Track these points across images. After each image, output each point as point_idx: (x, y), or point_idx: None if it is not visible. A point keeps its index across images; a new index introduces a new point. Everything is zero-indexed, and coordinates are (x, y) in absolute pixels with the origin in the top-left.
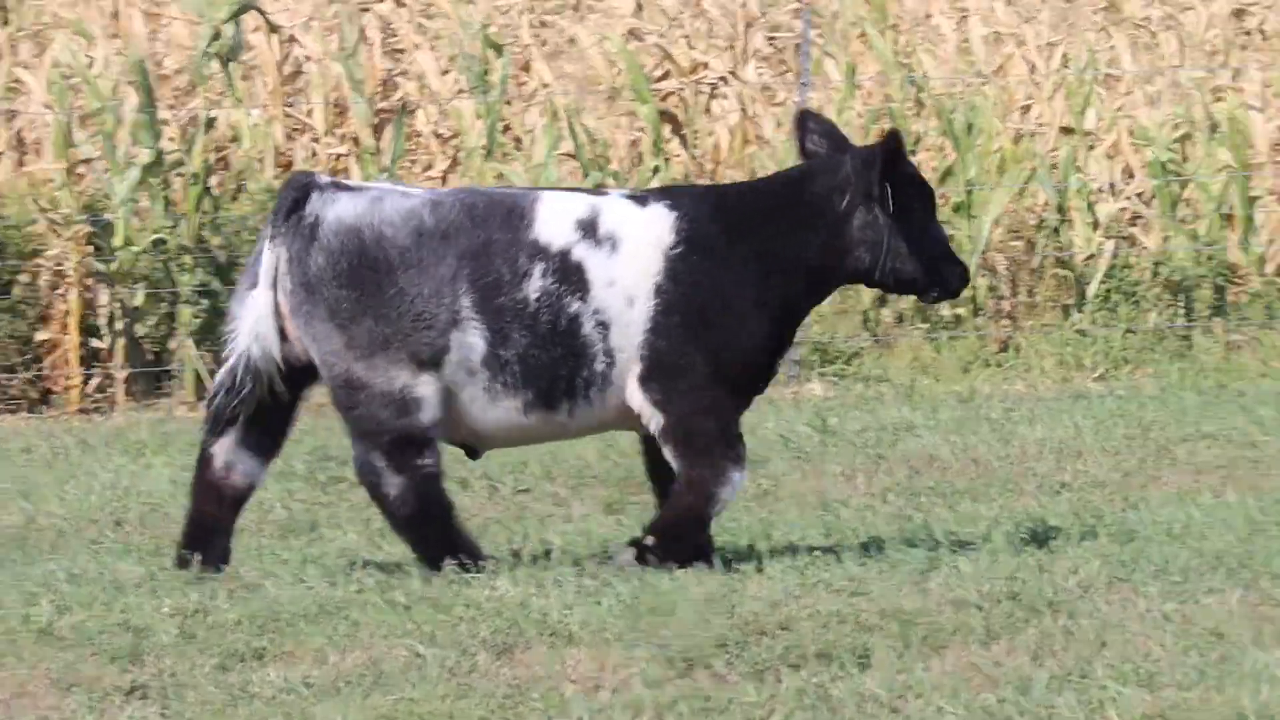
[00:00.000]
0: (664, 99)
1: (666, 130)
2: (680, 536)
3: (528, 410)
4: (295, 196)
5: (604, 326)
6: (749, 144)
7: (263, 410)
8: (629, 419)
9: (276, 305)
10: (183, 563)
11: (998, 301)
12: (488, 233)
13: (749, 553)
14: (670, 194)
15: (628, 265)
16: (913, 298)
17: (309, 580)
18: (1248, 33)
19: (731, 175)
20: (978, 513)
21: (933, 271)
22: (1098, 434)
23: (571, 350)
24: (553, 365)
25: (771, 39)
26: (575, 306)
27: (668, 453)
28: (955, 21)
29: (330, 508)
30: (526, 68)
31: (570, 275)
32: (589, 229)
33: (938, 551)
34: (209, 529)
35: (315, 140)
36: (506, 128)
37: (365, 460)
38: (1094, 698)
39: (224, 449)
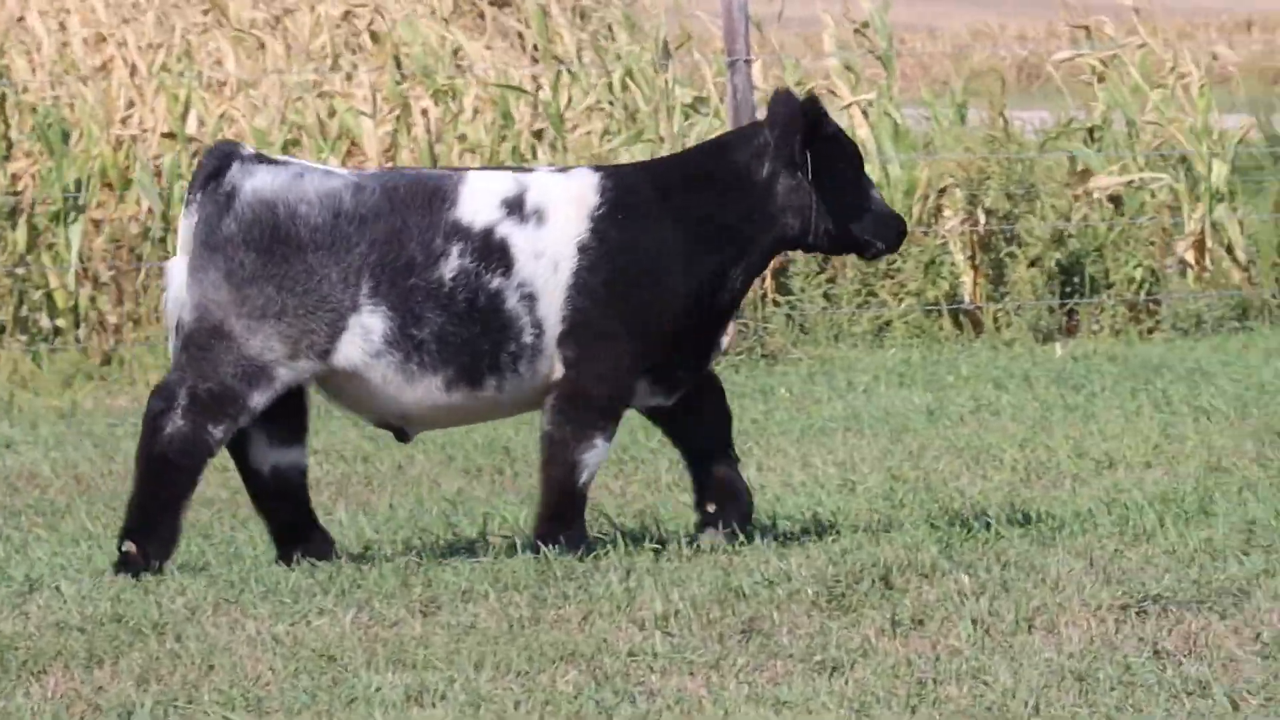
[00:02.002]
0: None
1: None
2: (560, 517)
3: (450, 388)
4: (215, 165)
5: (531, 299)
6: None
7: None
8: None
9: None
10: (288, 562)
11: (100, 314)
12: (405, 216)
13: None
14: (596, 166)
15: (552, 232)
16: None
17: None
18: (356, 35)
19: None
20: (81, 531)
21: (867, 229)
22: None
23: (494, 326)
24: (472, 341)
25: None
26: (497, 282)
27: (547, 403)
28: (54, 22)
29: None
30: None
31: (493, 252)
32: (514, 206)
33: (38, 572)
34: (293, 530)
35: None
36: None
37: (170, 389)
38: None
39: (258, 455)
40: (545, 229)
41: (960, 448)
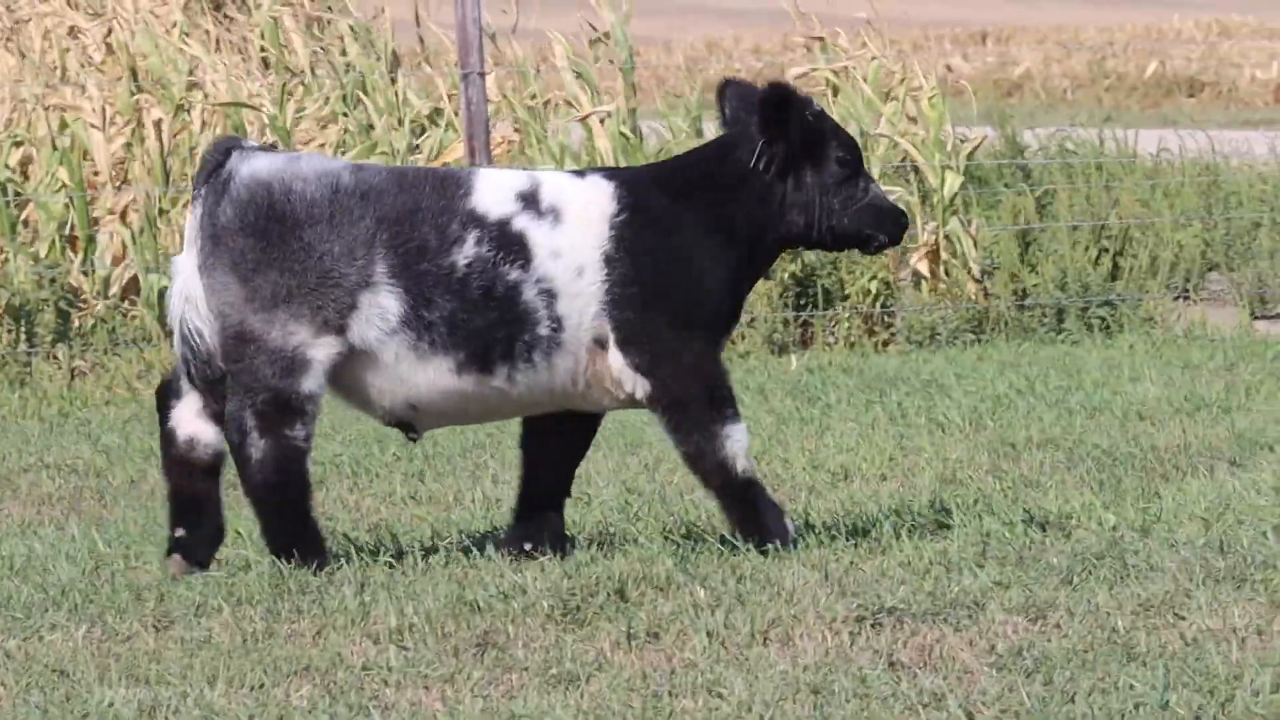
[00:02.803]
0: None
1: None
2: (754, 511)
3: (461, 371)
4: (218, 160)
5: (549, 295)
6: None
7: (218, 379)
8: (579, 389)
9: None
10: (176, 545)
11: None
12: (415, 198)
13: None
14: (607, 172)
15: (571, 234)
16: None
17: None
18: (93, 46)
19: None
20: None
21: (871, 224)
22: None
23: (508, 315)
24: (487, 329)
25: None
26: (514, 274)
27: (660, 423)
28: None
29: None
30: None
31: (510, 244)
32: (530, 200)
33: None
34: (193, 507)
35: None
36: None
37: (237, 417)
38: None
39: (183, 424)
40: (562, 228)
41: None
